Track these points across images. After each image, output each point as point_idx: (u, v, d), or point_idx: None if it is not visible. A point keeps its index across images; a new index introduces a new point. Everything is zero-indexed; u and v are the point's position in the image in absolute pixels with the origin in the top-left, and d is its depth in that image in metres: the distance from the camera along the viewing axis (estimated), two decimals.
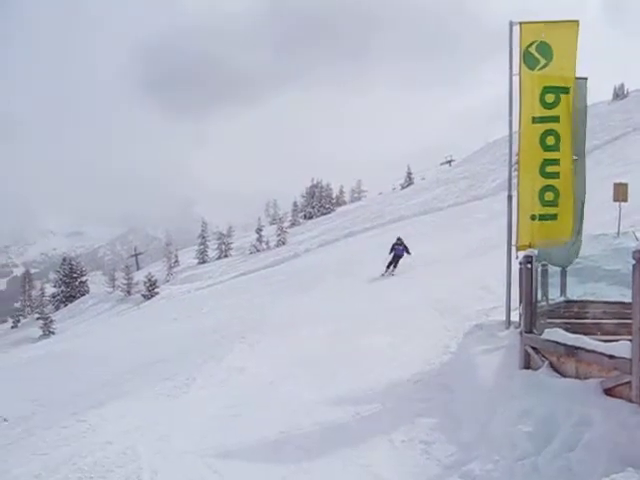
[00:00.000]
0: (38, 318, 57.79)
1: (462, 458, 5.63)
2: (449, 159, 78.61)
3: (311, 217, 76.66)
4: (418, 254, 23.33)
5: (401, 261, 22.22)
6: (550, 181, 8.13)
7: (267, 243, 59.86)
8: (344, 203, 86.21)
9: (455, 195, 46.00)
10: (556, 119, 8.02)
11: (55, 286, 74.51)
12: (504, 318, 8.97)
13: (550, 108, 8.03)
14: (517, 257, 8.40)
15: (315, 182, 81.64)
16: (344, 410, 7.82)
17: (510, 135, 8.96)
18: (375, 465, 5.98)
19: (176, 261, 68.63)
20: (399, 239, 24.10)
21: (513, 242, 8.60)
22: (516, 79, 8.26)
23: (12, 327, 69.92)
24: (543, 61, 8.00)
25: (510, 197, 9.00)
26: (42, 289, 76.92)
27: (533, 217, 8.23)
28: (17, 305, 79.75)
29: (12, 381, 20.30)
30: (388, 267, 22.96)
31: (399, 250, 23.26)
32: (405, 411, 7.29)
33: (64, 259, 76.61)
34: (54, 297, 72.30)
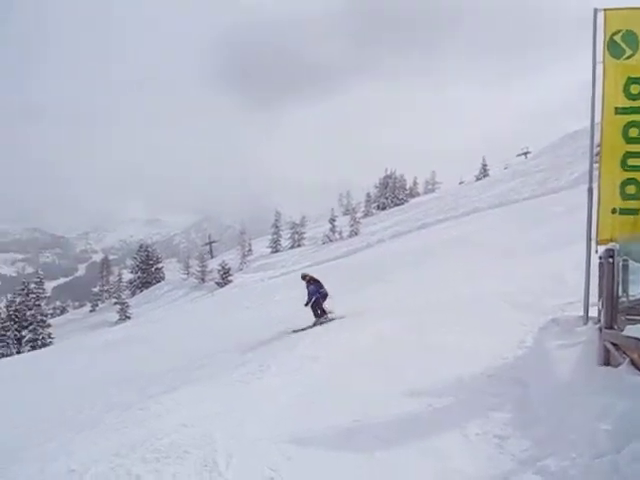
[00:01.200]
0: (115, 303, 59.61)
1: (537, 454, 5.55)
2: (525, 151, 77.27)
3: (384, 208, 76.65)
4: (492, 246, 23.01)
5: (475, 255, 21.66)
6: (632, 174, 7.92)
7: (340, 233, 60.13)
8: (418, 194, 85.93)
9: (531, 188, 45.06)
10: None
11: (132, 272, 76.81)
12: (581, 313, 8.79)
13: (634, 99, 7.80)
14: (597, 251, 8.22)
15: (389, 173, 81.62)
16: (417, 401, 7.80)
17: (592, 126, 8.69)
18: (449, 457, 5.96)
19: (249, 250, 69.61)
20: (306, 277, 18.08)
21: (592, 236, 8.41)
22: (599, 68, 8.05)
23: (90, 311, 72.41)
24: (629, 51, 7.76)
25: (590, 190, 8.78)
26: (119, 275, 79.28)
27: (614, 211, 8.04)
28: (95, 290, 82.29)
29: (91, 363, 20.95)
30: (318, 315, 17.06)
31: (312, 290, 17.23)
32: (479, 405, 7.23)
33: (141, 246, 78.88)
34: (131, 283, 74.50)
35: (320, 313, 17.03)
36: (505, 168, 72.44)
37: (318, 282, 17.47)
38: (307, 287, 17.39)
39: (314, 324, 16.52)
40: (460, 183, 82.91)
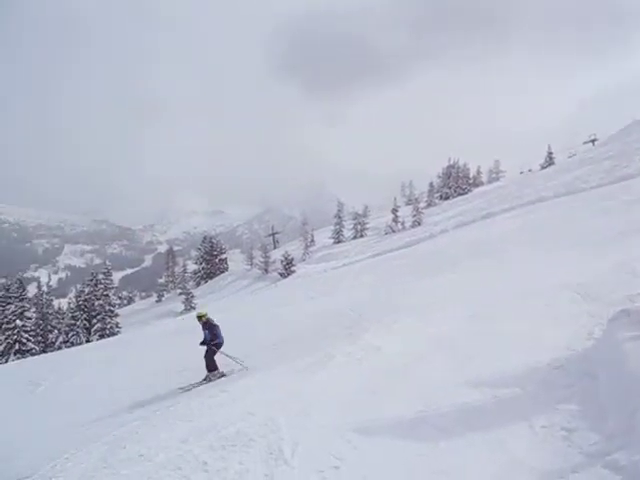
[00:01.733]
0: (180, 293, 60.62)
1: (606, 448, 5.45)
2: (592, 138, 75.49)
3: (447, 198, 75.99)
4: (559, 236, 22.61)
5: (542, 244, 21.25)
6: None
7: (403, 223, 59.86)
8: (481, 184, 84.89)
9: (599, 176, 44.02)
10: None
11: (196, 263, 77.96)
12: None
13: None
14: None
15: (452, 162, 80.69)
16: (482, 392, 7.74)
17: None
18: (514, 449, 5.91)
19: (312, 240, 69.81)
20: (202, 318, 15.48)
21: None
22: None
23: (156, 301, 73.79)
24: None
25: None
26: (184, 266, 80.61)
27: None
28: (161, 280, 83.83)
29: (158, 352, 21.37)
30: (209, 368, 14.80)
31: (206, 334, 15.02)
32: (545, 396, 7.13)
33: (205, 237, 79.94)
34: (195, 273, 75.64)
35: (211, 367, 14.66)
36: (569, 157, 71.00)
37: (216, 327, 15.17)
38: (203, 330, 15.00)
39: (205, 379, 14.33)
40: (521, 173, 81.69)
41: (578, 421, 6.23)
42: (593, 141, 74.30)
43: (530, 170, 79.07)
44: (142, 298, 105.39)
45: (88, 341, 49.05)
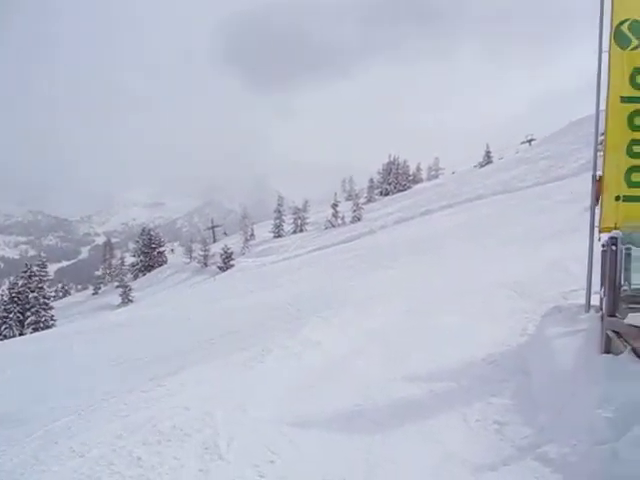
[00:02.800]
0: (118, 286, 59.83)
1: (537, 441, 5.59)
2: (530, 138, 77.06)
3: (387, 194, 76.80)
4: (495, 234, 23.05)
5: (478, 242, 21.64)
6: (637, 162, 7.89)
7: (343, 219, 60.28)
8: (421, 180, 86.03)
9: (535, 175, 45.06)
10: None
11: (134, 255, 77.05)
12: (584, 301, 8.80)
13: None
14: (599, 239, 8.22)
15: (392, 159, 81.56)
16: (418, 387, 7.85)
17: (597, 114, 8.67)
18: (448, 442, 6.00)
19: (252, 234, 69.78)
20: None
21: (596, 224, 8.41)
22: (605, 57, 8.00)
23: (93, 294, 72.69)
24: (635, 41, 7.69)
25: (594, 177, 8.76)
26: (122, 258, 79.69)
27: (618, 198, 8.00)
28: (98, 273, 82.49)
29: (95, 345, 21.03)
30: None
31: None
32: (479, 391, 7.27)
33: (143, 229, 79.07)
34: (133, 266, 74.75)
35: None
36: (500, 158, 72.50)
37: None
38: None
39: None
40: (452, 173, 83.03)
41: (511, 415, 6.37)
42: (530, 141, 75.78)
43: (462, 170, 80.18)
44: (78, 291, 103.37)
45: (22, 334, 47.85)
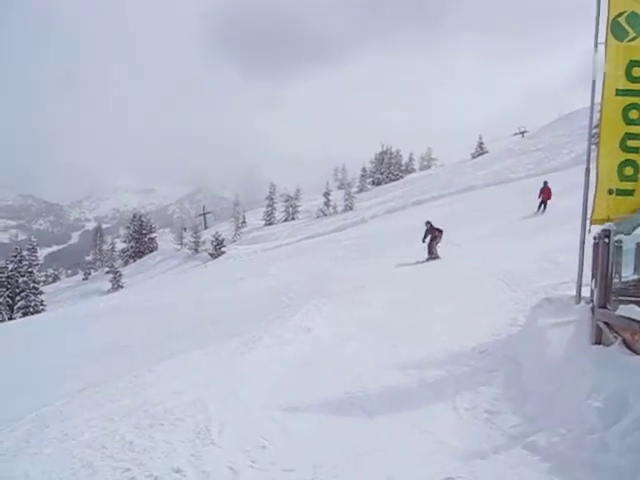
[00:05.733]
0: (108, 272, 59.55)
1: (527, 430, 5.62)
2: (522, 130, 77.01)
3: (379, 183, 76.64)
4: (487, 225, 23.09)
5: (470, 233, 21.71)
6: (631, 155, 7.90)
7: (334, 207, 60.21)
8: (413, 171, 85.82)
9: (527, 167, 45.15)
10: None
11: (125, 241, 76.66)
12: (574, 293, 8.84)
13: (636, 82, 7.73)
14: (589, 231, 8.26)
15: (385, 148, 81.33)
16: (408, 375, 7.88)
17: (591, 106, 8.67)
18: (439, 431, 6.02)
19: (243, 222, 69.66)
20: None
21: (588, 216, 8.44)
22: (601, 49, 7.99)
23: (83, 279, 72.36)
24: (632, 33, 7.66)
25: (588, 170, 8.78)
26: (112, 244, 79.31)
27: (610, 191, 8.03)
28: (88, 258, 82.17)
29: (85, 331, 21.01)
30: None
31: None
32: (470, 380, 7.30)
33: (134, 215, 78.50)
34: (124, 252, 74.40)
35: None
36: (486, 152, 72.17)
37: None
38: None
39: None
40: (441, 165, 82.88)
41: (500, 404, 6.40)
42: (522, 133, 75.78)
43: (454, 161, 79.94)
44: (68, 276, 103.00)
45: (11, 319, 47.74)
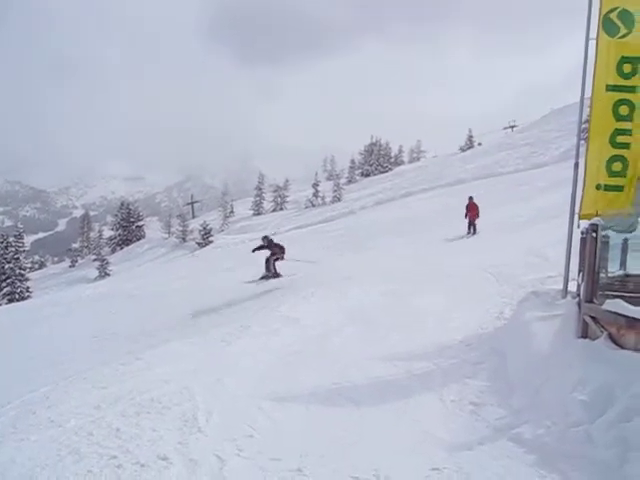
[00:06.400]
0: (95, 259, 59.30)
1: (512, 422, 5.67)
2: (512, 124, 77.21)
3: (368, 175, 76.64)
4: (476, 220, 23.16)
5: (459, 227, 21.73)
6: (620, 151, 7.94)
7: (323, 198, 60.18)
8: (402, 163, 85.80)
9: (516, 161, 45.31)
10: (632, 89, 7.75)
11: (112, 229, 76.24)
12: (561, 287, 8.91)
13: (626, 78, 7.76)
14: (578, 226, 8.30)
15: (374, 140, 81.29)
16: (395, 367, 7.93)
17: (581, 101, 8.70)
18: (425, 422, 6.06)
19: (232, 211, 69.49)
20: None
21: (576, 211, 8.48)
22: (592, 45, 8.01)
23: (69, 266, 71.95)
24: (624, 30, 7.69)
25: (577, 165, 8.82)
26: (100, 231, 78.98)
27: (598, 187, 8.07)
28: (75, 246, 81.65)
29: (72, 318, 20.94)
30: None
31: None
32: (456, 372, 7.36)
33: (122, 203, 78.07)
34: (111, 240, 73.99)
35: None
36: (479, 144, 72.36)
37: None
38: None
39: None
40: (434, 157, 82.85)
41: (486, 396, 6.45)
42: (512, 127, 76.00)
43: (443, 153, 80.00)
44: (55, 263, 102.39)
45: None
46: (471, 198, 24.53)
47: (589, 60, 8.00)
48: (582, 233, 7.89)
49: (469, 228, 23.40)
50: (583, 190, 8.20)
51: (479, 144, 72.57)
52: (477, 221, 23.42)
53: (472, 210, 23.82)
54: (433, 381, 7.19)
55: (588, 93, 8.16)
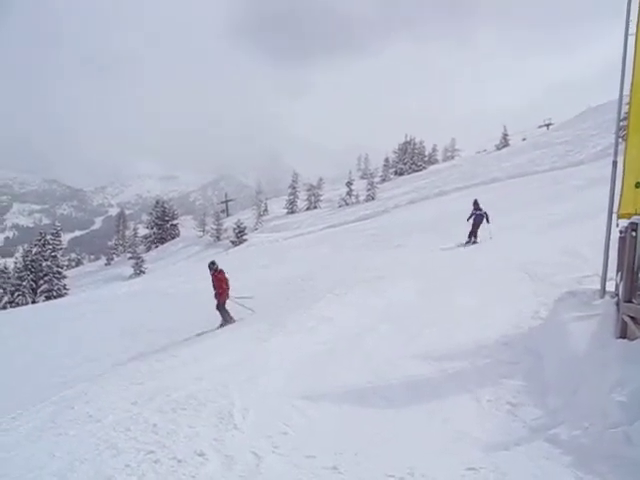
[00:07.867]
0: (130, 257, 59.79)
1: (549, 422, 5.62)
2: (547, 122, 76.38)
3: (402, 174, 76.39)
4: (510, 217, 22.95)
5: (494, 224, 21.36)
6: None
7: (357, 197, 60.11)
8: (436, 161, 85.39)
9: (552, 160, 44.78)
10: None
11: (147, 227, 76.86)
12: (598, 287, 8.78)
13: None
14: (617, 225, 8.18)
15: (408, 139, 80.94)
16: (430, 365, 7.89)
17: (620, 97, 8.57)
18: (460, 421, 6.04)
19: (265, 210, 69.72)
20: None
21: (614, 210, 8.36)
22: (631, 41, 7.86)
23: (105, 264, 72.82)
24: None
25: (615, 163, 8.69)
26: (135, 230, 79.61)
27: (638, 185, 7.93)
28: (111, 244, 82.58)
29: (108, 315, 21.19)
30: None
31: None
32: (492, 372, 7.29)
33: (157, 202, 78.62)
34: (146, 238, 74.63)
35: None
36: (523, 139, 71.66)
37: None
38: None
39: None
40: (477, 153, 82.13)
41: (522, 396, 6.39)
42: (548, 125, 75.20)
43: (485, 150, 79.38)
44: (91, 261, 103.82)
45: (34, 302, 48.22)
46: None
47: (628, 56, 7.87)
48: (620, 232, 7.78)
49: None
50: (622, 188, 8.06)
51: (523, 139, 71.81)
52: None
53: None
54: (468, 380, 7.14)
55: (626, 90, 8.04)
